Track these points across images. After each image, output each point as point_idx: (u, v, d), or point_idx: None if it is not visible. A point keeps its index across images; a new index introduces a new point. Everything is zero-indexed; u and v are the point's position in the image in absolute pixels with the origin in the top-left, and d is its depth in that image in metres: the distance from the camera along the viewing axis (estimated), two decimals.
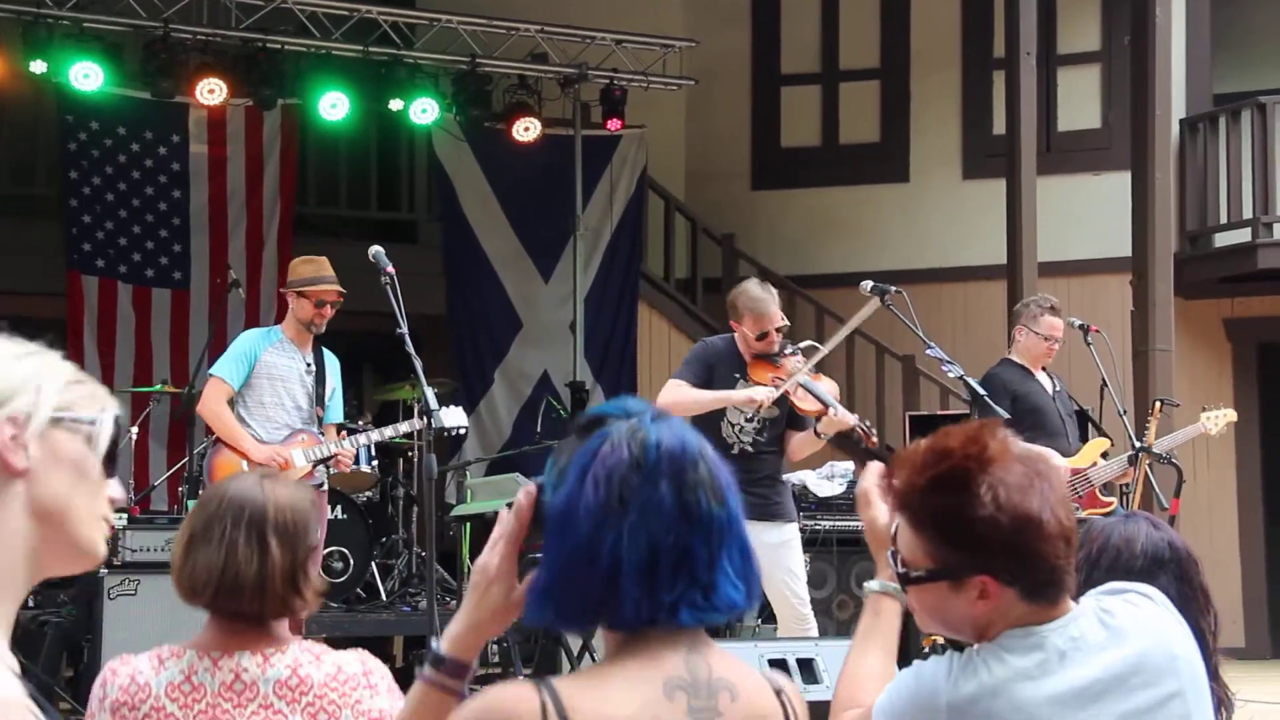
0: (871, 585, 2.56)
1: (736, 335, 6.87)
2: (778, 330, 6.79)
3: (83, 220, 11.32)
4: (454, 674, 2.12)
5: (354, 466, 8.91)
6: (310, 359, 7.55)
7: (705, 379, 6.76)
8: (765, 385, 6.67)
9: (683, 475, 1.96)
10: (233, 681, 2.75)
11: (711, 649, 1.97)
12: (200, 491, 7.41)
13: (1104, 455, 7.80)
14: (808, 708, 2.03)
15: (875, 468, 2.58)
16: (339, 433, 7.74)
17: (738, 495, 2.02)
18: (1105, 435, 8.10)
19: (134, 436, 9.05)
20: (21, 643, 7.71)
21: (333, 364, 7.68)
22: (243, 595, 2.75)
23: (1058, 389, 7.87)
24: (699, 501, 1.96)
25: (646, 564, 1.93)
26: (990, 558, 2.26)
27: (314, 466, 7.43)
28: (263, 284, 11.66)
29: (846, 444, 11.94)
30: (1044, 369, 7.92)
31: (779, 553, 6.82)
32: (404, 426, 7.87)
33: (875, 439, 6.60)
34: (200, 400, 7.46)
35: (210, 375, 7.48)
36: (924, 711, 2.29)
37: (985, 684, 2.26)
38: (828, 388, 6.69)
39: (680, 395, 6.58)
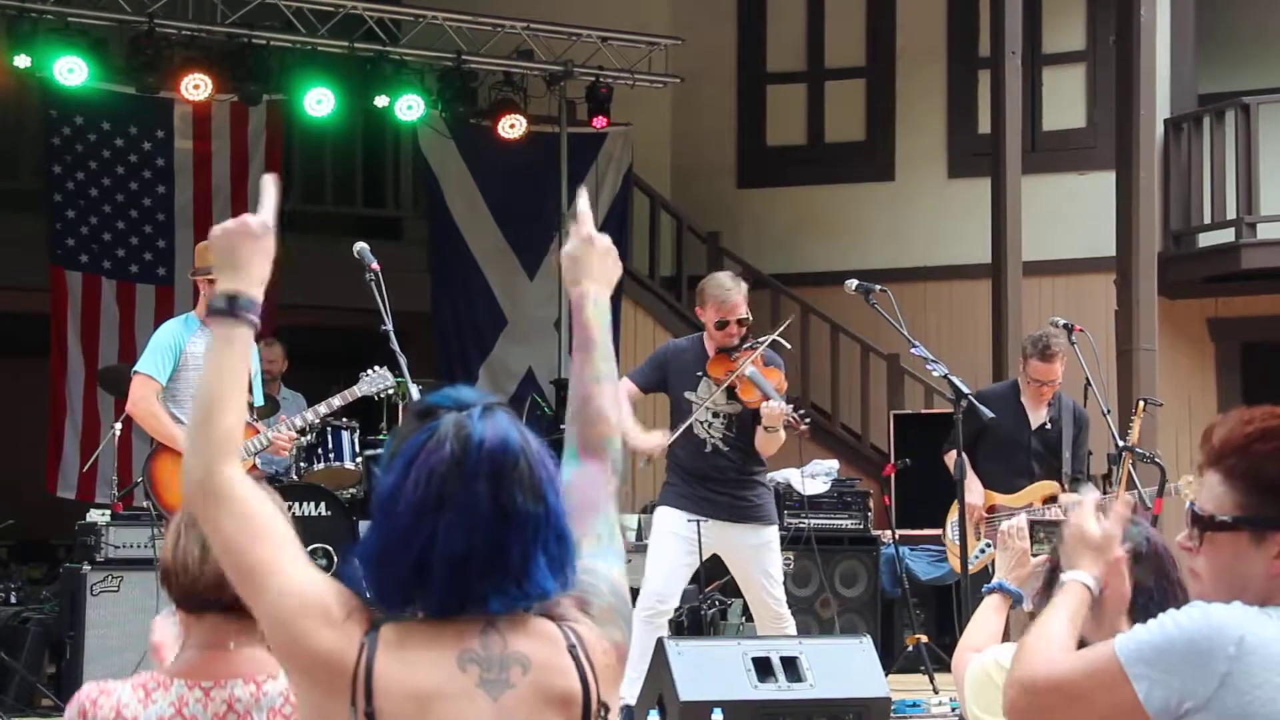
0: (1071, 574, 2.59)
1: (705, 330, 6.94)
2: (739, 323, 6.82)
3: (67, 215, 11.27)
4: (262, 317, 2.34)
5: (339, 464, 8.88)
6: None
7: (656, 379, 6.90)
8: (722, 379, 6.75)
9: (501, 475, 2.05)
10: (225, 713, 2.64)
11: (512, 626, 2.06)
12: (149, 493, 7.22)
13: (1052, 500, 7.59)
14: (614, 648, 2.13)
15: (1091, 492, 2.77)
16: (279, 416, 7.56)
17: (559, 488, 2.11)
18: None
19: (117, 432, 8.98)
20: (3, 639, 7.70)
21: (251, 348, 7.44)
22: None
23: (1048, 425, 7.76)
24: (515, 501, 2.05)
25: (459, 560, 2.01)
26: None
27: (254, 458, 7.19)
28: None
29: (832, 443, 11.96)
30: (1050, 403, 7.79)
31: (757, 555, 6.84)
32: (337, 401, 7.53)
33: (805, 427, 6.68)
34: (129, 400, 7.13)
35: (135, 372, 7.13)
36: (1209, 642, 2.29)
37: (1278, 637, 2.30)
38: (776, 383, 6.73)
39: None
